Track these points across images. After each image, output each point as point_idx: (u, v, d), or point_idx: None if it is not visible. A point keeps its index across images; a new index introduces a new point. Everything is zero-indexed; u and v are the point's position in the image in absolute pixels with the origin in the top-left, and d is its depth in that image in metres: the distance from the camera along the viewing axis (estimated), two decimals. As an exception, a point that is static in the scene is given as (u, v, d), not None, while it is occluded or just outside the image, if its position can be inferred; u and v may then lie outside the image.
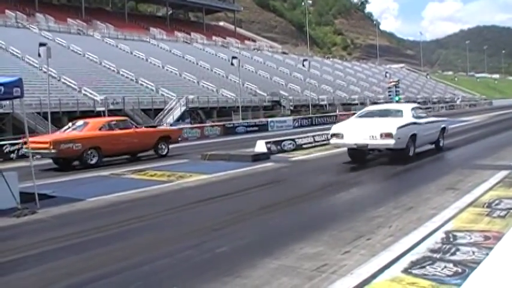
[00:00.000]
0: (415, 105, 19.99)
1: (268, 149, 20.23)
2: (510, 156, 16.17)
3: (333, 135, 16.54)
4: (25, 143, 21.21)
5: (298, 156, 19.43)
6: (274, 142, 21.18)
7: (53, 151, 18.58)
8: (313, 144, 22.71)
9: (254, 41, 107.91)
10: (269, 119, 43.72)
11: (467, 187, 11.17)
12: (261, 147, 20.40)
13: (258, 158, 18.34)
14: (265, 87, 63.03)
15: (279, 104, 58.44)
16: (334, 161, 17.32)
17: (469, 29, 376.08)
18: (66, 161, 19.28)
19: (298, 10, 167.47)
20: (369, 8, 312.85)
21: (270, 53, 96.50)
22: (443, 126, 19.31)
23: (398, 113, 16.88)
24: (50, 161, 19.84)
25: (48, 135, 20.91)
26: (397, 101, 50.85)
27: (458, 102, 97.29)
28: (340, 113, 56.57)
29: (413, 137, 16.15)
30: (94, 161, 19.34)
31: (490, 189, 10.80)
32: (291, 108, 58.29)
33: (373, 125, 15.84)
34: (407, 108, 17.34)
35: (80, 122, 20.90)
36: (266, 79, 70.65)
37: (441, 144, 19.12)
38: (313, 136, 23.56)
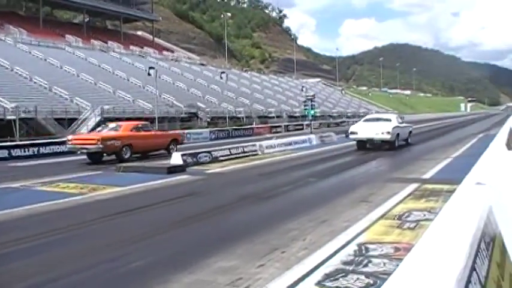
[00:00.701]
0: (397, 115, 32.23)
1: (184, 161, 20.11)
2: (419, 169, 16.74)
3: (351, 132, 26.21)
4: (69, 139, 25.02)
5: (214, 168, 19.39)
6: (190, 154, 21.07)
7: (100, 146, 22.99)
8: (230, 157, 22.77)
9: (172, 51, 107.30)
10: (186, 131, 43.45)
11: (379, 200, 11.45)
12: (176, 159, 20.26)
13: (174, 170, 18.16)
14: (183, 98, 62.66)
15: (196, 115, 58.25)
16: (250, 174, 17.42)
17: (383, 46, 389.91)
18: (101, 155, 23.65)
19: (217, 22, 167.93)
20: (287, 23, 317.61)
21: (187, 64, 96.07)
22: (410, 129, 29.88)
23: (388, 120, 26.93)
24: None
25: (95, 134, 25.25)
26: (312, 115, 51.53)
27: None
28: (256, 125, 57.06)
29: (398, 135, 26.10)
30: (128, 155, 23.81)
31: (401, 201, 11.12)
32: (208, 120, 58.19)
33: (376, 127, 25.70)
34: (393, 117, 28.07)
35: (113, 124, 25.72)
36: (183, 90, 70.28)
37: (409, 140, 29.07)
38: (229, 149, 23.62)
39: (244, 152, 24.19)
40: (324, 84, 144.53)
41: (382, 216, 9.66)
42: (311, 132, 40.58)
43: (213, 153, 22.25)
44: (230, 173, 18.24)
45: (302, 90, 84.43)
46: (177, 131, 36.26)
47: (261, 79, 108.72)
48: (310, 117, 51.15)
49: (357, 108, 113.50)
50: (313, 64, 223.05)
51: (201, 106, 61.49)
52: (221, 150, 23.12)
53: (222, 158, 22.30)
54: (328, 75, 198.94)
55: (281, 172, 17.83)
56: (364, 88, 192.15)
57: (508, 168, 7.25)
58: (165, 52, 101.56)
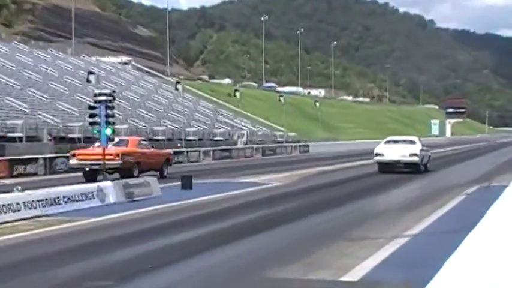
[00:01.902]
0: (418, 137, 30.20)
1: None
2: (336, 262, 8.99)
3: (376, 154, 26.47)
4: (73, 155, 23.57)
5: None
6: None
7: (119, 162, 22.03)
8: None
9: None
10: None
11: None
12: None
13: None
14: None
15: None
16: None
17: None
18: (95, 173, 21.95)
19: None
20: None
21: None
22: (429, 154, 29.08)
23: (413, 142, 27.08)
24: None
25: (110, 148, 21.93)
26: (108, 137, 23.33)
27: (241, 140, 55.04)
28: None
29: (423, 158, 26.76)
30: (136, 173, 22.47)
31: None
32: None
33: (403, 148, 26.09)
34: (417, 139, 28.04)
35: (115, 139, 23.63)
36: None
37: (428, 166, 28.27)
38: None
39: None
40: (140, 69, 78.84)
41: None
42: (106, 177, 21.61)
43: None
44: None
45: (89, 80, 48.22)
46: (168, 150, 30.00)
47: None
48: (105, 140, 21.59)
49: (211, 124, 59.93)
50: (115, 24, 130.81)
51: None
52: None
53: None
54: (149, 49, 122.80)
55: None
56: (227, 81, 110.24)
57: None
58: None
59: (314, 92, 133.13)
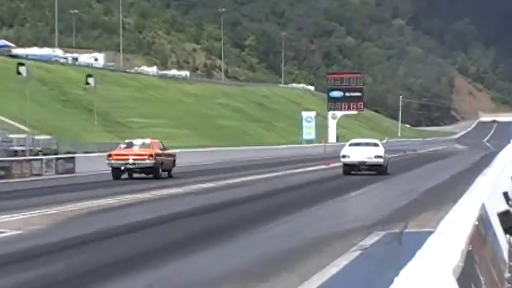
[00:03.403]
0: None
1: None
2: None
3: (343, 156, 28.14)
4: (109, 155, 26.66)
5: None
6: None
7: (153, 161, 25.56)
8: None
9: None
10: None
11: None
12: None
13: None
14: None
15: None
16: None
17: None
18: (122, 172, 26.00)
19: None
20: None
21: None
22: (388, 157, 30.15)
23: (377, 144, 29.40)
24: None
25: (144, 149, 26.43)
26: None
27: None
28: None
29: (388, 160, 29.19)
30: (162, 173, 26.49)
31: None
32: None
33: (368, 151, 28.14)
34: (379, 142, 30.55)
35: (139, 141, 27.72)
36: None
37: (387, 170, 29.23)
38: None
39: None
40: None
41: None
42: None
43: None
44: None
45: None
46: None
47: None
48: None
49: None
50: None
51: None
52: None
53: None
54: None
55: None
56: None
57: None
58: None
59: (85, 57, 79.56)
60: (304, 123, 76.72)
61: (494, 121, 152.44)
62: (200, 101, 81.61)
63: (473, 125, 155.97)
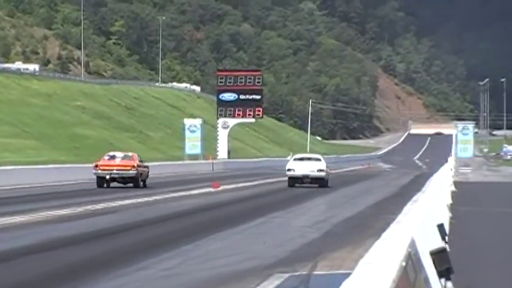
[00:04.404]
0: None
1: None
2: None
3: (288, 169, 31.28)
4: (96, 166, 29.70)
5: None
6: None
7: (135, 172, 29.06)
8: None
9: None
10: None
11: None
12: None
13: None
14: None
15: None
16: None
17: None
18: (109, 181, 29.13)
19: None
20: None
21: None
22: (329, 171, 32.85)
23: (319, 159, 32.36)
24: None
25: (126, 161, 29.87)
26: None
27: None
28: None
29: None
30: (142, 184, 30.27)
31: None
32: None
33: (311, 165, 31.50)
34: (322, 157, 33.31)
35: (120, 154, 31.28)
36: None
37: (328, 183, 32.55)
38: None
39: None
40: None
41: None
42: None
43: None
44: None
45: None
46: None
47: None
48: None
49: None
50: None
51: None
52: None
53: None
54: None
55: None
56: None
57: None
58: None
59: None
60: (187, 133, 64.91)
61: (438, 133, 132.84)
62: (52, 103, 68.03)
63: (402, 139, 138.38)
